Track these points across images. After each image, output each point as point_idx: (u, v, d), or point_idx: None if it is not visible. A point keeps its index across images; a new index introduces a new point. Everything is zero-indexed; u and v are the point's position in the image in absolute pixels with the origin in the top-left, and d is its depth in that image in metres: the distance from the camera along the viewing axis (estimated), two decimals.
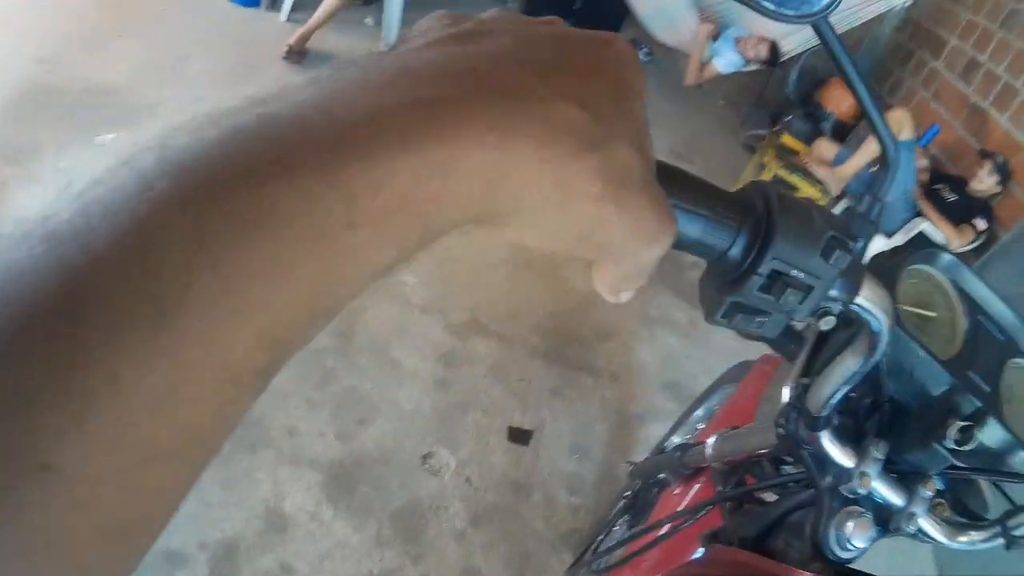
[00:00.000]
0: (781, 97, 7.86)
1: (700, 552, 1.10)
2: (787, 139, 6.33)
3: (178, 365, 0.25)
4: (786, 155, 5.43)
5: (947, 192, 5.23)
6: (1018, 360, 0.97)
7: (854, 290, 0.59)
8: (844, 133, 6.91)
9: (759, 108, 7.85)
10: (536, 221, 0.36)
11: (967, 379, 0.87)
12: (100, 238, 0.24)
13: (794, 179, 5.28)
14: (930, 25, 7.08)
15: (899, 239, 5.02)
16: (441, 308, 3.28)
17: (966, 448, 0.82)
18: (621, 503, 2.11)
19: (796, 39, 6.73)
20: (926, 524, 0.88)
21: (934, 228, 5.01)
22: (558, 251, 0.39)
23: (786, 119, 6.84)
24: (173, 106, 3.88)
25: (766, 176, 5.15)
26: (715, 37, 6.20)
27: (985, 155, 5.17)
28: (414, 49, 0.36)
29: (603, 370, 3.41)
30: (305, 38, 4.75)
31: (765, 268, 0.52)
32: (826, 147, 5.68)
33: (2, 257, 0.25)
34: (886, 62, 7.70)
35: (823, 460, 0.88)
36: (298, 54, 4.71)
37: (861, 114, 6.57)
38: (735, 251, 0.53)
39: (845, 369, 0.74)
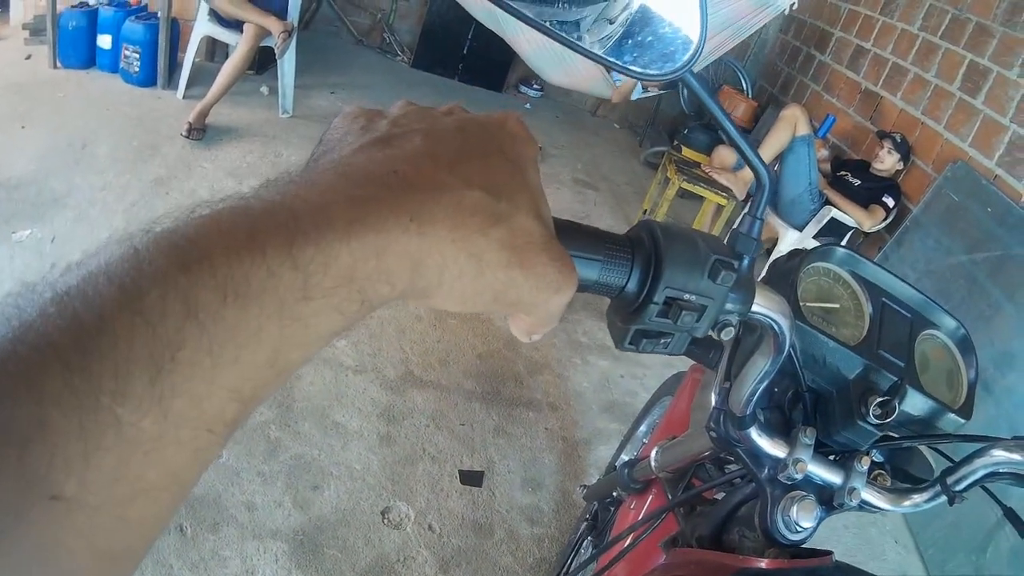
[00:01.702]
0: (675, 113, 8.03)
1: (663, 558, 1.16)
2: (687, 152, 6.38)
3: (167, 413, 0.30)
4: (688, 168, 5.49)
5: (852, 177, 5.39)
6: (930, 331, 1.05)
7: (748, 301, 0.66)
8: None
9: (655, 126, 8.00)
10: (455, 291, 0.43)
11: (879, 358, 0.95)
12: (109, 302, 0.30)
13: (698, 189, 5.36)
14: (814, 21, 7.37)
15: (811, 230, 5.18)
16: (374, 366, 3.30)
17: (889, 421, 0.88)
18: (583, 526, 2.16)
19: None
20: (868, 495, 0.94)
21: (844, 214, 5.14)
22: (478, 312, 0.47)
23: (684, 132, 6.96)
24: (83, 195, 3.83)
25: (671, 191, 5.20)
26: None
27: (883, 135, 5.36)
28: (347, 155, 0.44)
29: (541, 402, 3.46)
30: (204, 114, 4.73)
31: (660, 296, 0.60)
32: (726, 154, 5.74)
33: (12, 307, 0.30)
34: (775, 63, 7.97)
35: (757, 454, 0.93)
36: (199, 130, 4.68)
37: (757, 116, 6.70)
38: (632, 285, 0.60)
39: (757, 369, 0.81)
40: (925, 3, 5.78)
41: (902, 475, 1.04)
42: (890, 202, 5.14)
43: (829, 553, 0.95)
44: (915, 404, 0.95)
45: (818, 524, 0.93)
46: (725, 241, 0.66)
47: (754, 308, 0.68)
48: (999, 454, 0.91)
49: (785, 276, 0.98)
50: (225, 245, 0.33)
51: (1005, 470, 0.92)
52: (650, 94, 6.30)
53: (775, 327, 0.73)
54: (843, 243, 5.20)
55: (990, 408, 3.63)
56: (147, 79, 5.31)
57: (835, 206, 5.16)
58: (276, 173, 0.41)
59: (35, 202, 3.70)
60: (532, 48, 6.16)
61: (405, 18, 7.83)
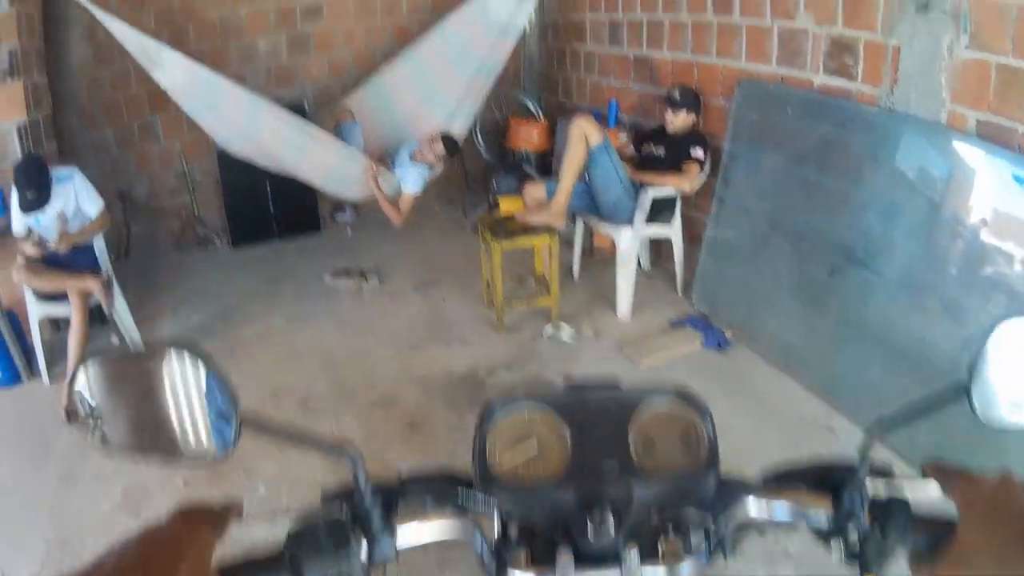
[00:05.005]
0: (481, 165, 7.94)
1: None
2: (503, 204, 6.36)
3: None
4: (501, 227, 5.34)
5: (656, 148, 5.46)
6: (640, 407, 1.08)
7: (391, 546, 0.92)
8: (548, 164, 7.06)
9: (471, 189, 7.97)
10: None
11: (587, 472, 1.02)
12: None
13: (520, 243, 5.28)
14: (565, 15, 7.45)
15: (640, 219, 5.24)
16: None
17: (621, 522, 0.96)
18: None
19: (461, 119, 6.81)
20: (651, 572, 0.97)
21: (663, 188, 5.22)
22: None
23: (493, 185, 6.93)
24: (7, 518, 3.85)
25: (496, 256, 5.15)
26: (388, 167, 6.28)
27: (661, 100, 5.48)
28: None
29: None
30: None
31: None
32: (534, 189, 5.75)
33: None
34: (548, 72, 8.00)
35: None
36: (76, 412, 4.52)
37: (553, 130, 6.68)
38: None
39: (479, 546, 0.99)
40: None
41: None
42: (699, 152, 5.17)
43: None
44: (647, 490, 1.01)
45: None
46: None
47: (398, 535, 0.93)
48: (751, 506, 0.97)
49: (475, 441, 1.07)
50: None
51: (760, 522, 0.98)
52: (439, 170, 6.45)
53: (475, 544, 0.97)
54: (677, 209, 5.43)
55: (894, 270, 3.92)
56: (12, 377, 5.24)
57: (651, 186, 5.21)
58: None
59: None
60: (320, 175, 6.24)
61: (207, 204, 7.65)
